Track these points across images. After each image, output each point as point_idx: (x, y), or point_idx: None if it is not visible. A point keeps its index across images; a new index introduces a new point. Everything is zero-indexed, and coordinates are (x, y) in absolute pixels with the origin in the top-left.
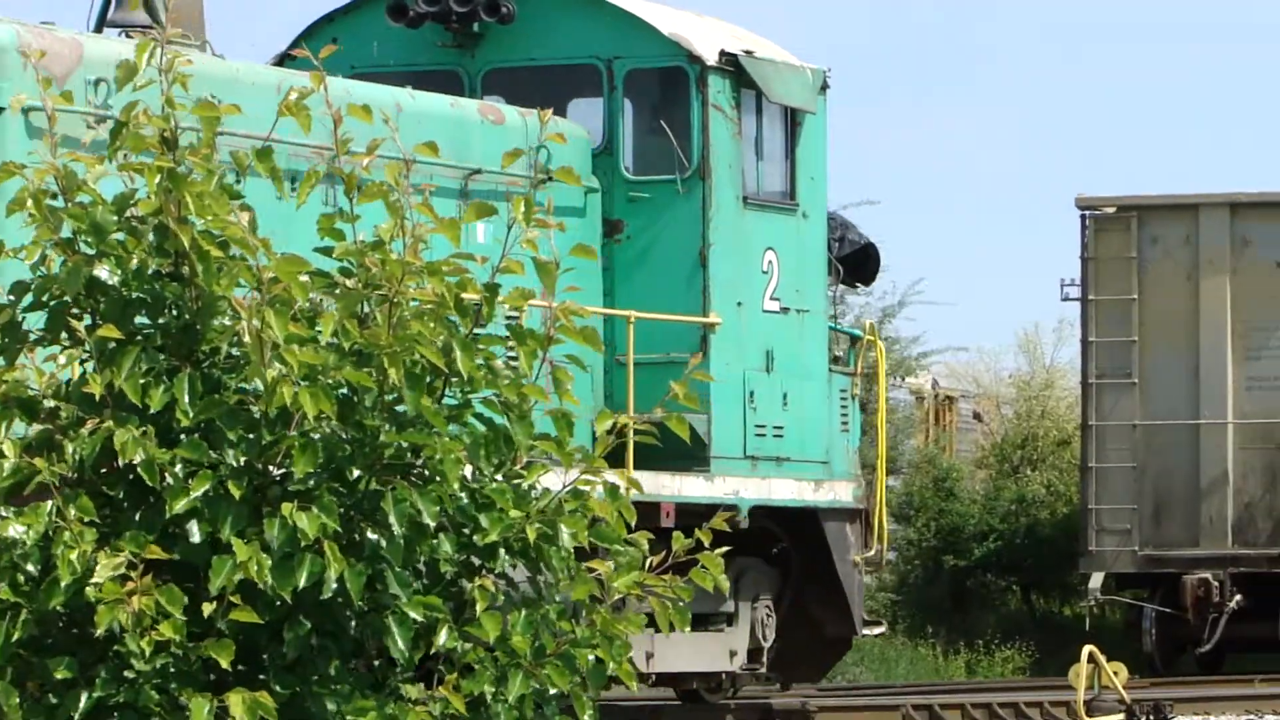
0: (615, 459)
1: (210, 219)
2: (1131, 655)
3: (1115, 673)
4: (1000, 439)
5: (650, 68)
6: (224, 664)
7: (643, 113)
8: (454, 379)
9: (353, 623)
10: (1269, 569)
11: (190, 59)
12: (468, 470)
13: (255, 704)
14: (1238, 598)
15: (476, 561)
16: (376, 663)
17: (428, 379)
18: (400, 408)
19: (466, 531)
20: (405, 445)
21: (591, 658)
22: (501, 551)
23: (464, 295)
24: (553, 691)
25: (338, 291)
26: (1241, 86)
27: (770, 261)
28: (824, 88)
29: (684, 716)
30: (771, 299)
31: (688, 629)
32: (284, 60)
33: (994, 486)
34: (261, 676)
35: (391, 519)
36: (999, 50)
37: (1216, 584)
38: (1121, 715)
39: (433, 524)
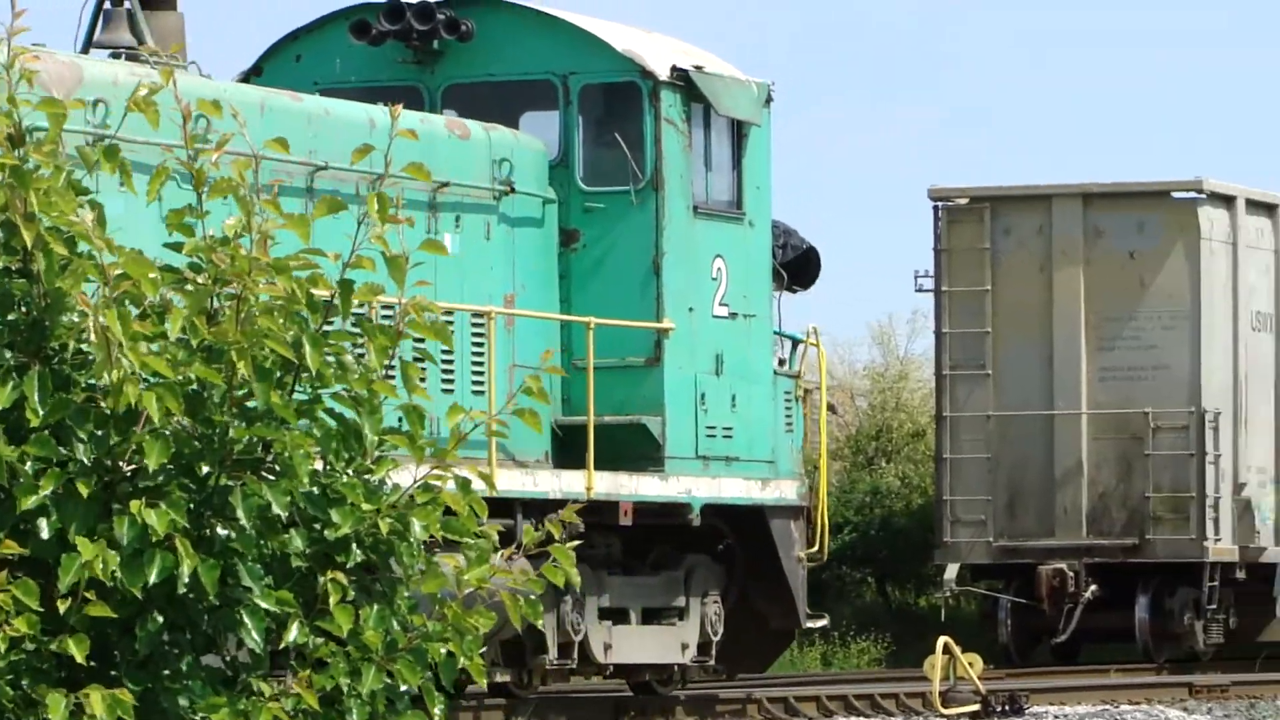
0: (577, 459)
1: (55, 215)
2: (987, 646)
3: (970, 664)
4: (854, 431)
5: (604, 83)
6: (79, 659)
7: (596, 126)
8: (304, 374)
9: (205, 617)
10: (1123, 559)
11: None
12: (319, 465)
13: (115, 701)
14: (1093, 588)
15: (328, 556)
16: (229, 658)
17: (277, 374)
18: (250, 403)
19: (318, 526)
20: (255, 440)
21: (443, 651)
22: (353, 546)
23: (314, 291)
24: (404, 686)
25: (187, 288)
26: (1096, 79)
27: (719, 268)
28: (768, 101)
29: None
30: (720, 305)
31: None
32: (249, 77)
33: (849, 479)
34: (114, 673)
35: (240, 513)
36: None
37: (1071, 574)
38: (977, 706)
39: (284, 515)
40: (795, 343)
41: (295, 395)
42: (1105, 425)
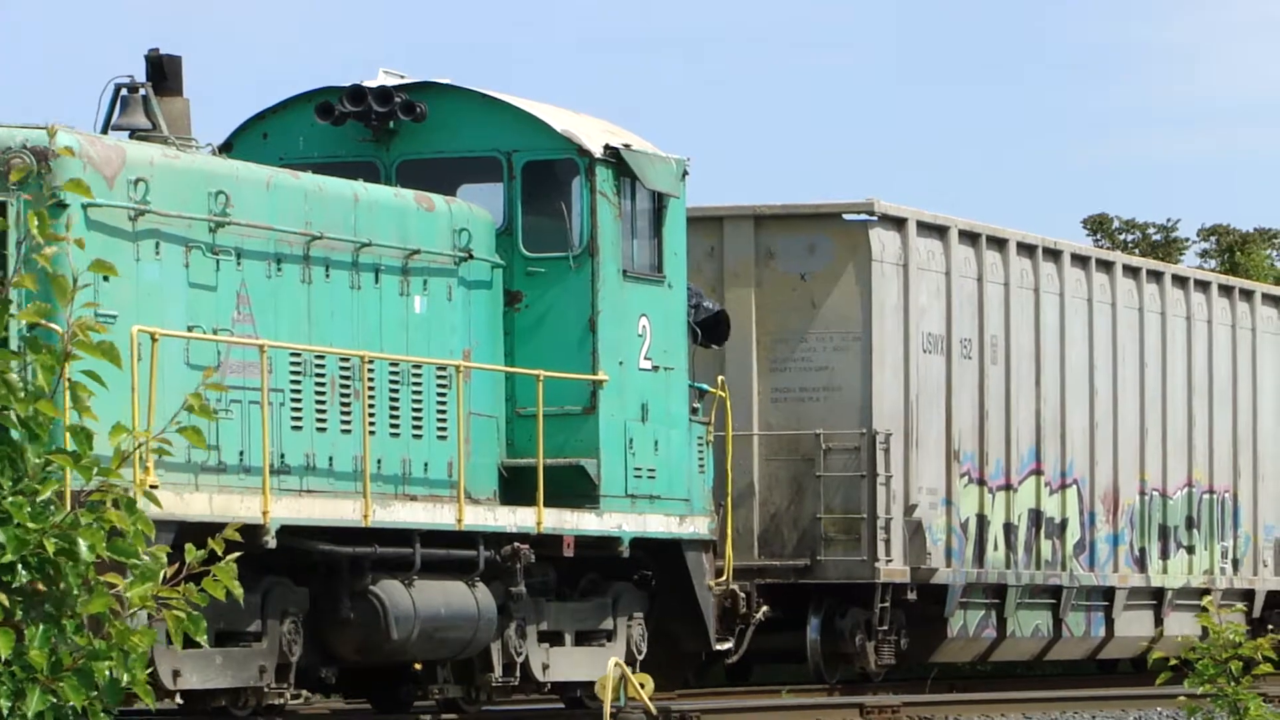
0: (527, 498)
1: None
2: (659, 666)
3: (642, 684)
4: None
5: (545, 160)
6: None
7: (536, 198)
8: None
9: None
10: (795, 580)
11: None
12: None
13: None
14: (764, 609)
15: None
16: None
17: None
18: None
19: None
20: None
21: (108, 671)
22: (19, 566)
23: None
24: (70, 705)
25: None
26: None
27: (644, 326)
28: (684, 175)
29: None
30: (645, 358)
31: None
32: (220, 151)
33: None
34: None
35: None
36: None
37: (744, 595)
38: None
39: None
40: (702, 393)
41: None
42: (777, 446)
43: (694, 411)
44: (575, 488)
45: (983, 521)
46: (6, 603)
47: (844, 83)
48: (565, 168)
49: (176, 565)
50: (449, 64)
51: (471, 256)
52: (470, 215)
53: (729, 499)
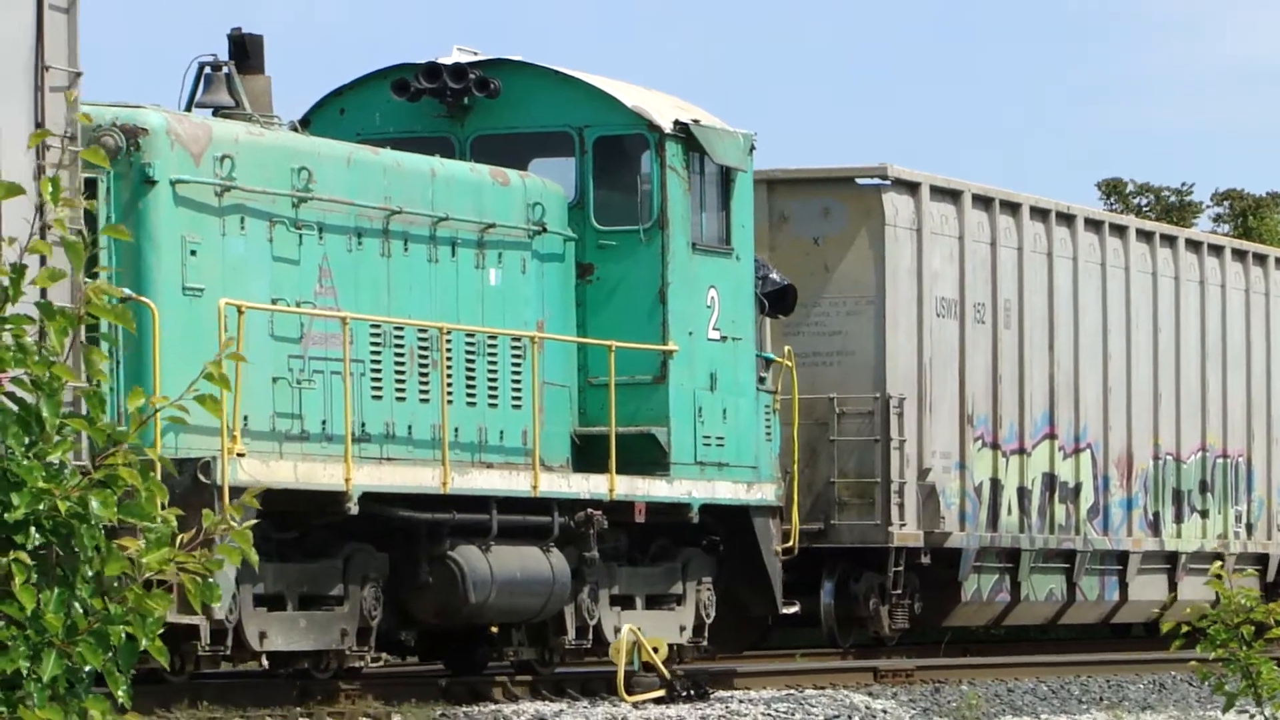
0: (599, 465)
1: None
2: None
3: (655, 649)
4: None
5: (616, 135)
6: None
7: (608, 173)
8: None
9: None
10: (809, 544)
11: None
12: None
13: None
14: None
15: (9, 539)
16: None
17: None
18: None
19: None
20: None
21: (124, 634)
22: (32, 528)
23: None
24: (87, 669)
25: None
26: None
27: (713, 297)
28: (751, 149)
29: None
30: (714, 329)
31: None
32: (298, 126)
33: None
34: None
35: None
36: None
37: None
38: (662, 691)
39: None
40: (769, 362)
41: None
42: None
43: (760, 380)
44: (646, 455)
45: (996, 485)
46: (29, 562)
47: (859, 48)
48: (636, 143)
49: (195, 530)
50: (498, 39)
51: (545, 230)
52: (544, 190)
53: (795, 466)
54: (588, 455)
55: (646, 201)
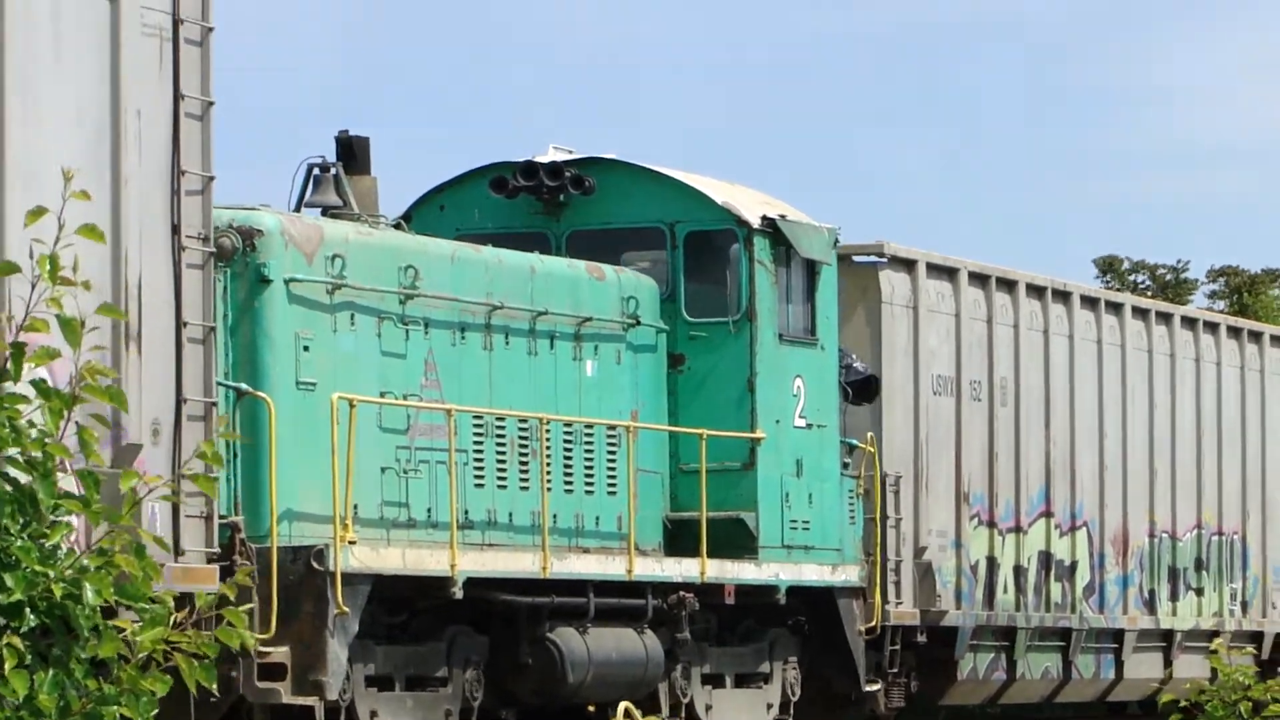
0: (690, 549)
1: None
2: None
3: None
4: None
5: (706, 230)
6: None
7: (698, 267)
8: None
9: None
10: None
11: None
12: None
13: None
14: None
15: (2, 621)
16: None
17: None
18: None
19: None
20: None
21: (119, 715)
22: (27, 610)
23: None
24: None
25: None
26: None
27: (799, 386)
28: (835, 243)
29: None
30: (800, 417)
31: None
32: (400, 223)
33: None
34: None
35: None
36: None
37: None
38: None
39: None
40: (852, 448)
41: None
42: None
43: (844, 466)
44: (735, 539)
45: (993, 563)
46: (21, 646)
47: (854, 120)
48: (725, 237)
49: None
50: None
51: (639, 323)
52: (637, 283)
53: (878, 548)
54: (679, 539)
55: (735, 294)
